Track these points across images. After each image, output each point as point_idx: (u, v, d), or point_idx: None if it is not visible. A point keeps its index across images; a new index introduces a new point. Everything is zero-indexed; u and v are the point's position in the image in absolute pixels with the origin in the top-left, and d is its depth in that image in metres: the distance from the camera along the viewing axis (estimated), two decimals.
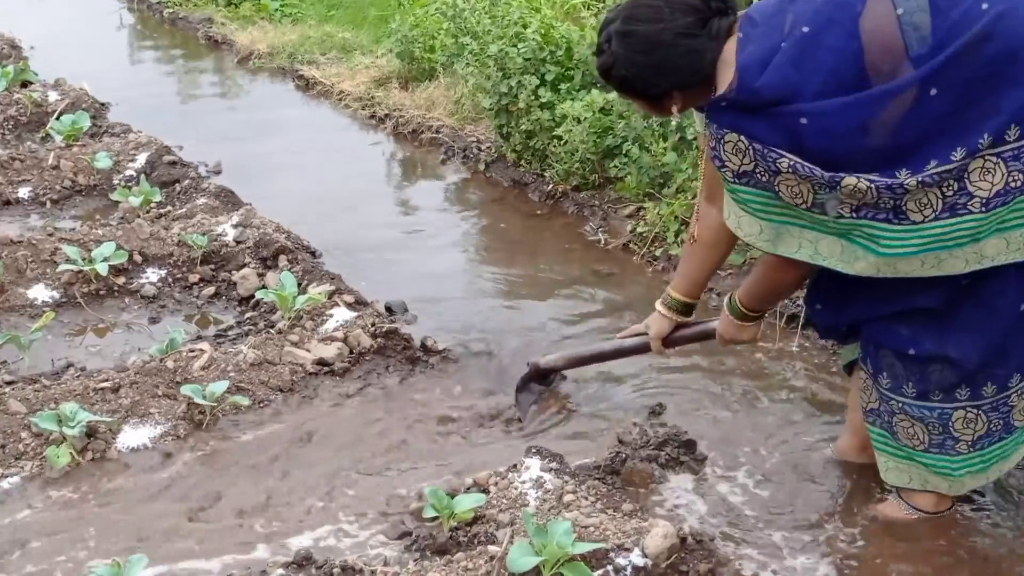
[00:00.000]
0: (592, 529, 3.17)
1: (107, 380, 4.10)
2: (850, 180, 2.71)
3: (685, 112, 3.20)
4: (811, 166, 2.74)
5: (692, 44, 2.92)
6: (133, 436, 3.90)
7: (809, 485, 3.67)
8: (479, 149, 6.87)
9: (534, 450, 3.61)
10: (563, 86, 6.28)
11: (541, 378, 4.23)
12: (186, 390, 3.98)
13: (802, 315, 4.42)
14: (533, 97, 6.18)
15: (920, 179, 2.70)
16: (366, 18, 10.04)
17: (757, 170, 2.83)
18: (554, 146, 6.13)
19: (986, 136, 2.69)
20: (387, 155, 7.34)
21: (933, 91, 2.68)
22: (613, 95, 5.89)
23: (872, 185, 2.71)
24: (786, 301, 4.66)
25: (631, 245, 5.54)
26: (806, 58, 2.75)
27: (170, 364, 4.21)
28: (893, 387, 3.16)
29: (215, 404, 3.99)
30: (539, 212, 6.14)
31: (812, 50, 2.75)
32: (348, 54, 9.13)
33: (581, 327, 4.82)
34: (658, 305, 3.73)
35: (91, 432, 3.84)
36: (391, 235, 5.90)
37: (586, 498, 3.35)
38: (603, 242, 5.67)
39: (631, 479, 3.63)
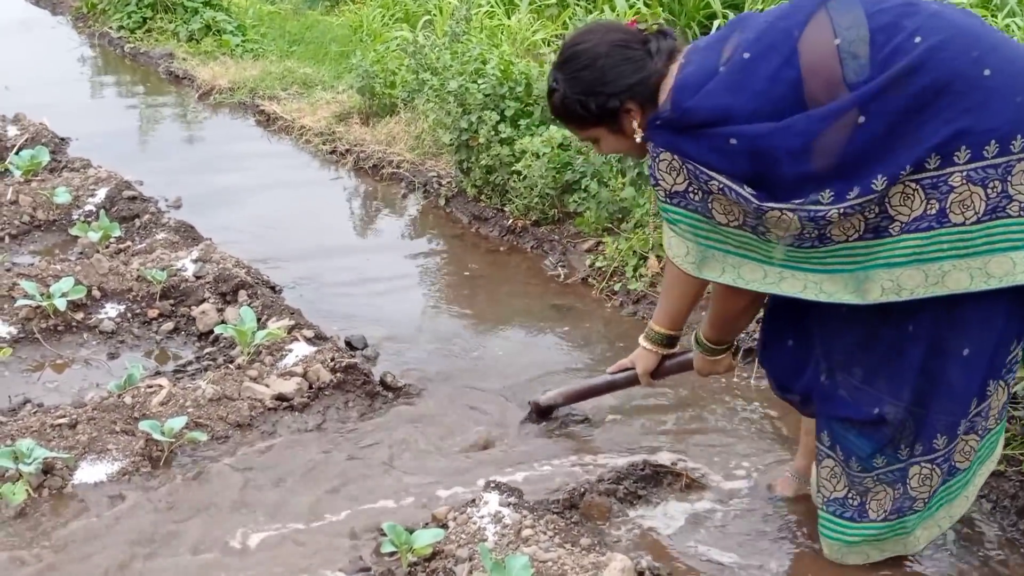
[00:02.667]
0: (550, 564, 3.18)
1: (64, 416, 4.08)
2: (774, 213, 2.79)
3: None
4: (739, 191, 2.80)
5: (627, 53, 3.05)
6: (90, 472, 3.87)
7: (769, 515, 3.71)
8: (439, 184, 6.89)
9: (492, 484, 3.62)
10: (523, 122, 6.33)
11: (542, 416, 4.30)
12: (144, 426, 3.96)
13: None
14: (493, 132, 6.22)
15: (842, 209, 2.76)
16: (327, 54, 10.08)
17: (690, 189, 2.90)
18: (514, 181, 6.16)
19: (907, 166, 2.74)
20: (348, 190, 7.35)
21: (861, 119, 2.75)
22: None
23: (796, 217, 2.78)
24: (742, 335, 4.71)
25: (590, 279, 5.57)
26: (743, 84, 2.83)
27: (128, 400, 4.19)
28: (845, 459, 3.20)
29: (173, 440, 3.97)
30: (499, 247, 6.17)
31: (749, 76, 2.82)
32: (309, 89, 9.15)
33: (542, 363, 4.83)
34: (641, 340, 3.77)
35: (47, 469, 3.81)
36: (352, 270, 5.91)
37: (544, 532, 3.36)
38: (562, 277, 5.70)
39: (589, 513, 3.65)
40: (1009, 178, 2.76)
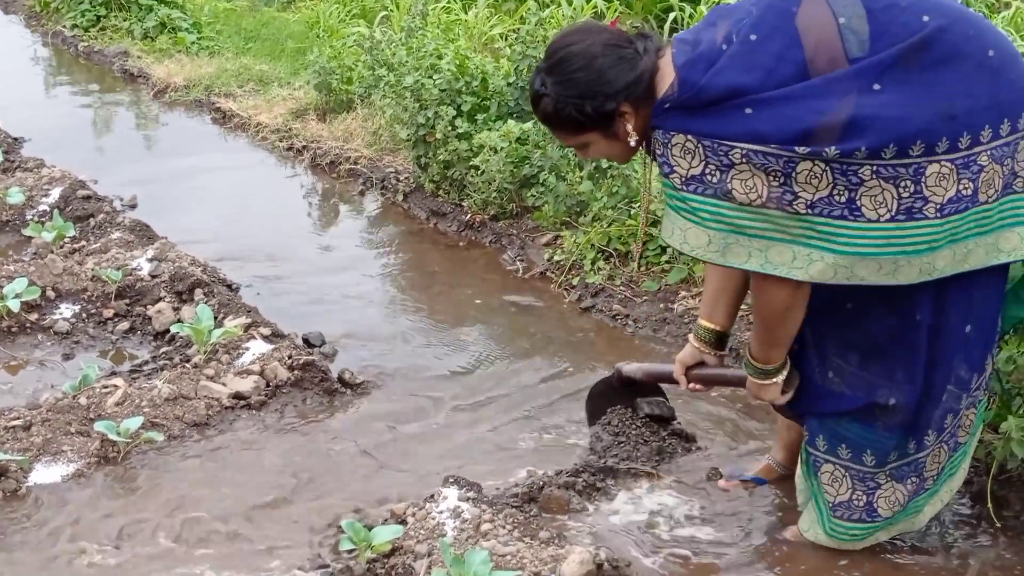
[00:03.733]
0: (509, 557, 3.18)
1: (19, 418, 4.04)
2: (804, 164, 2.72)
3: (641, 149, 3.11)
4: (764, 151, 2.73)
5: (621, 52, 2.93)
6: (45, 474, 3.84)
7: (731, 508, 3.71)
8: (397, 180, 6.87)
9: (451, 480, 3.61)
10: (480, 116, 6.31)
11: (624, 387, 4.03)
12: (99, 427, 3.92)
13: None
14: (450, 127, 6.20)
15: (875, 168, 2.72)
16: (283, 50, 10.02)
17: (707, 171, 2.81)
18: (472, 176, 6.15)
19: (944, 139, 2.73)
20: (305, 187, 7.32)
21: (876, 86, 2.72)
22: (529, 124, 5.93)
23: (828, 169, 2.72)
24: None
25: (548, 273, 5.57)
26: (753, 63, 2.78)
27: (83, 400, 4.16)
28: (855, 457, 3.20)
29: (129, 440, 3.94)
30: (458, 242, 6.16)
31: (759, 56, 2.79)
32: (265, 86, 9.10)
33: (501, 358, 4.83)
34: (691, 336, 3.55)
35: (1, 471, 3.77)
36: (309, 267, 5.89)
37: (503, 527, 3.35)
38: (521, 271, 5.70)
39: (548, 506, 3.64)
40: (1016, 155, 2.85)
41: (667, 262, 5.24)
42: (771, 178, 2.76)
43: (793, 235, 2.83)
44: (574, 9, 8.49)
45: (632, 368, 3.99)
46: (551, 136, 5.70)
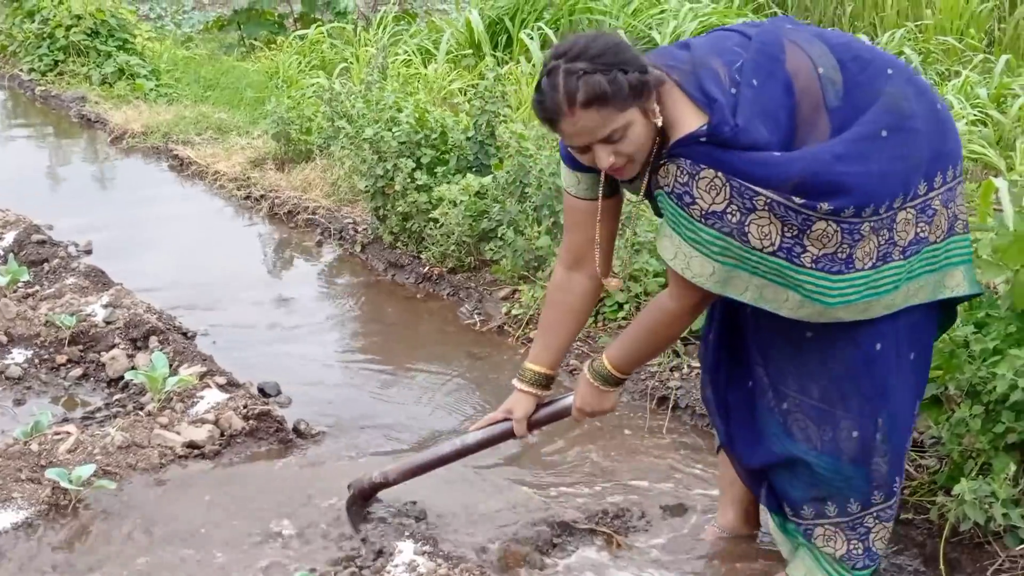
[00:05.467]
0: None
1: None
2: (820, 224, 2.80)
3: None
4: (788, 205, 2.77)
5: (633, 48, 2.91)
6: None
7: (688, 566, 3.70)
8: (355, 231, 6.88)
9: (407, 533, 3.59)
10: (439, 169, 6.35)
11: (366, 500, 3.94)
12: (51, 474, 3.87)
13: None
14: (409, 180, 6.22)
15: (872, 225, 2.85)
16: (242, 99, 10.05)
17: (729, 209, 2.83)
18: (430, 228, 6.17)
19: (921, 184, 2.92)
20: (262, 236, 7.31)
21: (884, 133, 2.86)
22: (488, 179, 5.96)
23: (839, 229, 2.81)
24: (656, 383, 4.75)
25: (506, 327, 5.58)
26: (759, 110, 2.84)
27: (35, 447, 4.11)
28: (841, 511, 3.21)
29: (81, 488, 3.89)
30: (415, 294, 6.17)
31: (764, 103, 2.86)
32: (224, 135, 9.11)
33: (457, 411, 4.82)
34: (517, 383, 3.54)
35: None
36: (266, 317, 5.87)
37: None
38: (478, 324, 5.70)
39: (505, 561, 3.63)
40: (955, 198, 3.04)
41: (624, 318, 5.25)
42: (786, 229, 2.83)
43: (789, 283, 2.90)
44: (532, 66, 8.57)
45: (381, 474, 3.85)
46: (511, 190, 5.74)
